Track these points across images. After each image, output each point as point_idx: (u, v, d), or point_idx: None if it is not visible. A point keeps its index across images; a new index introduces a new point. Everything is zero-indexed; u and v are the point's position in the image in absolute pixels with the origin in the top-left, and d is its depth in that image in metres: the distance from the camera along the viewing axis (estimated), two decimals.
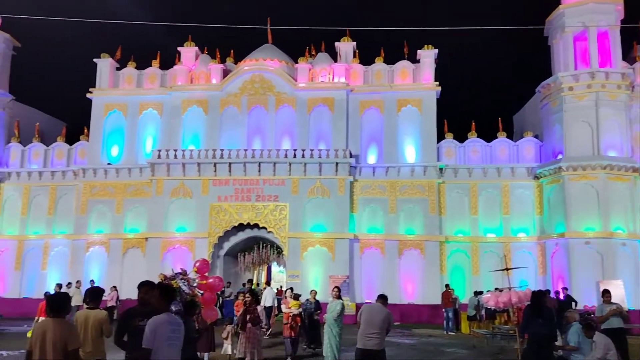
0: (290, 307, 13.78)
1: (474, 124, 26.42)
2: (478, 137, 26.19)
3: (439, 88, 25.90)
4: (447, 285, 21.77)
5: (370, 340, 7.87)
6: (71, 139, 28.11)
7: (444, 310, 20.68)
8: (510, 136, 27.68)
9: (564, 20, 24.64)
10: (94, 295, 7.22)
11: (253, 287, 20.36)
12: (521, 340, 11.37)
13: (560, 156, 23.99)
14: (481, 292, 20.79)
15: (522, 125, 29.82)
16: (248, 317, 11.01)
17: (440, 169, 25.48)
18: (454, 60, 40.38)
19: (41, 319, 16.23)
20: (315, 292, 15.39)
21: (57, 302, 5.45)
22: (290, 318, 13.35)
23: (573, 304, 18.86)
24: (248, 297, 11.52)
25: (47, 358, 5.17)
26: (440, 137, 26.10)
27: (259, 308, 11.94)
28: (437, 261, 24.60)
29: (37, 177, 27.41)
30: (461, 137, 26.34)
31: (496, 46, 45.32)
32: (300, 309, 13.88)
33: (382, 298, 8.38)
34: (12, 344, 15.70)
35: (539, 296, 8.79)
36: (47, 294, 17.98)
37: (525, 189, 25.30)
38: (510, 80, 43.01)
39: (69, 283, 21.43)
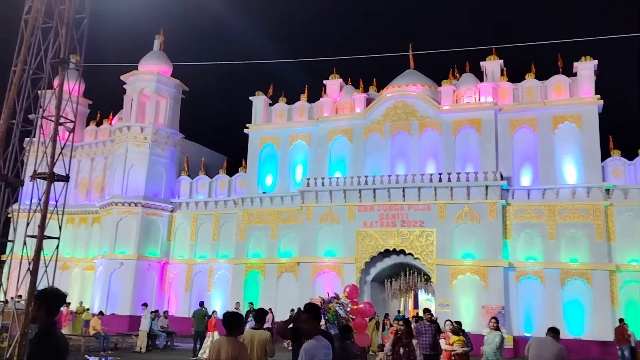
0: (451, 344, 11.68)
1: None
2: None
3: (601, 101, 23.68)
4: (621, 320, 19.43)
5: None
6: (231, 171, 30.76)
7: (617, 347, 18.57)
8: None
9: None
10: (259, 315, 7.70)
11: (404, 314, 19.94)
12: None
13: None
14: None
15: None
16: (402, 350, 10.00)
17: (607, 190, 23.03)
18: (617, 70, 36.61)
19: (209, 333, 17.88)
20: (459, 325, 12.29)
21: (231, 321, 5.88)
22: (452, 357, 11.52)
23: None
24: (402, 325, 10.59)
25: None
26: (605, 155, 23.71)
27: (414, 342, 10.30)
28: (607, 292, 22.08)
29: (203, 207, 30.32)
30: (631, 154, 23.62)
31: None
32: (466, 347, 11.60)
33: (553, 331, 7.73)
34: (184, 357, 17.33)
35: None
36: (217, 313, 19.68)
37: None
38: None
39: (237, 303, 23.12)
